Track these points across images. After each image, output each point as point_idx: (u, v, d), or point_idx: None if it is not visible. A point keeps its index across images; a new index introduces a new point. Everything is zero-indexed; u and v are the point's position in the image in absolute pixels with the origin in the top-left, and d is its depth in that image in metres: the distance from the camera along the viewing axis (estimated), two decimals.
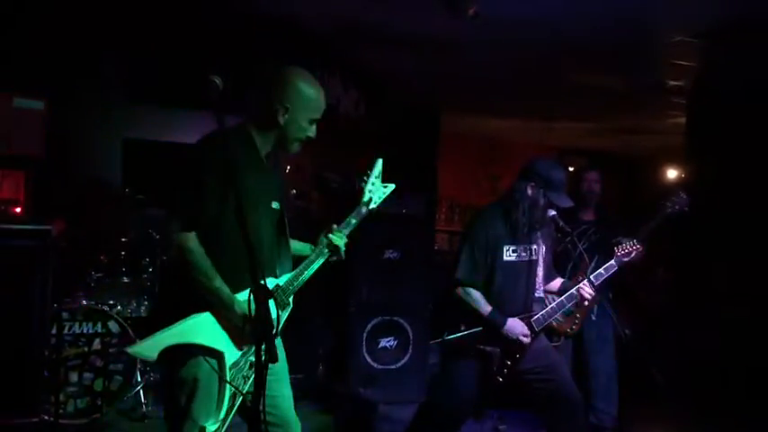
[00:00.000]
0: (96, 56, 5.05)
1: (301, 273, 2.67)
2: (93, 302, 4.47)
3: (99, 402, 4.34)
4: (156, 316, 2.52)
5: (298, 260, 2.72)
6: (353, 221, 2.80)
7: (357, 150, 7.02)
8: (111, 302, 4.63)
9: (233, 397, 2.43)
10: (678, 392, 5.49)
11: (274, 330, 2.44)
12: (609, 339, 4.42)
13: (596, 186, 4.56)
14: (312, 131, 2.58)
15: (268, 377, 2.47)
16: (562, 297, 3.55)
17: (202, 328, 2.37)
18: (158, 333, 2.34)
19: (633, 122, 8.94)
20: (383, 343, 5.25)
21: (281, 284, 2.62)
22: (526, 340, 3.41)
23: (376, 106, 7.45)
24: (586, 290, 3.51)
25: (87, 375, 4.35)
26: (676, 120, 7.84)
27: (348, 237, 2.76)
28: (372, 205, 2.83)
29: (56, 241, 4.16)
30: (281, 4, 5.13)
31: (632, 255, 3.79)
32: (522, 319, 3.44)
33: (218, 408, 2.37)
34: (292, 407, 2.65)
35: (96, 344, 4.39)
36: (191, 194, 2.39)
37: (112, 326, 4.42)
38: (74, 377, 4.32)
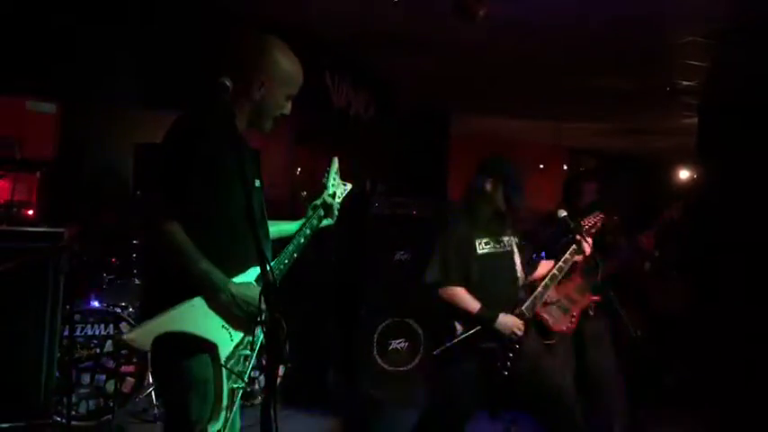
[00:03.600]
0: (108, 59, 5.08)
1: (289, 251, 2.51)
2: (104, 304, 4.50)
3: (111, 404, 4.36)
4: (146, 304, 2.35)
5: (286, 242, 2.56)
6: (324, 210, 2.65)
7: (368, 153, 7.02)
8: (123, 304, 4.64)
9: (231, 393, 2.30)
10: (689, 395, 5.47)
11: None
12: (603, 336, 4.36)
13: (594, 198, 4.53)
14: (287, 109, 2.41)
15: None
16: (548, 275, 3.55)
17: (195, 316, 2.19)
18: (149, 320, 2.17)
19: (645, 123, 8.92)
20: (394, 345, 5.25)
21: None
22: (520, 332, 3.38)
23: (386, 108, 7.45)
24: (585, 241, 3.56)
25: (99, 377, 4.37)
26: (688, 120, 7.81)
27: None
28: (337, 199, 2.72)
29: (68, 244, 4.19)
30: (290, 8, 5.15)
31: (596, 224, 3.81)
32: (512, 312, 3.41)
33: (219, 405, 2.22)
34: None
35: (108, 345, 4.41)
36: (168, 170, 2.22)
37: (124, 328, 4.43)
38: (86, 379, 4.34)
